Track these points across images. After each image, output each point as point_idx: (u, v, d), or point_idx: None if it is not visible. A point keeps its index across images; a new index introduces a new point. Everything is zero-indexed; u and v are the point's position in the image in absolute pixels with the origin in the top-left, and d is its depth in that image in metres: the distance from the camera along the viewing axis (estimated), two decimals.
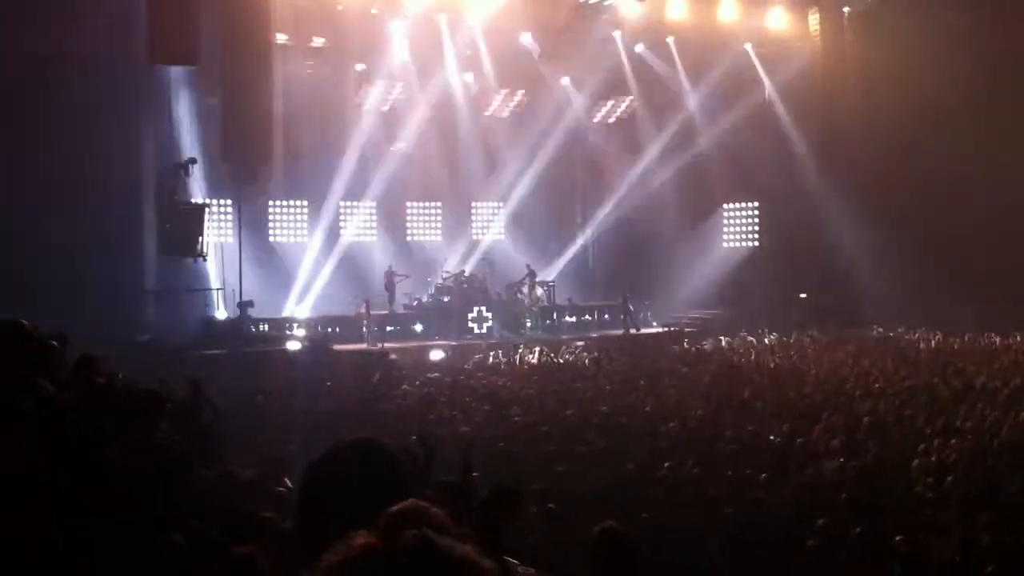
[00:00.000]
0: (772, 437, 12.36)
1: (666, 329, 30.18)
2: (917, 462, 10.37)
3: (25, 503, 3.85)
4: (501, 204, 34.65)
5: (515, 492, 5.87)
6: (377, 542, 1.59)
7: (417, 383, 18.62)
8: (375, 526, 1.64)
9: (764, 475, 9.89)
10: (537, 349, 24.61)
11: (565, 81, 32.37)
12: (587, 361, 22.68)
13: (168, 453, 5.61)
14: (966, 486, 9.07)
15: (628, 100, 33.95)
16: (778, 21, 30.34)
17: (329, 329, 26.73)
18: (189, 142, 26.00)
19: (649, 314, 31.91)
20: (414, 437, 9.35)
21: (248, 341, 24.17)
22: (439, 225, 34.23)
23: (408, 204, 33.47)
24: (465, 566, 1.58)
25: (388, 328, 26.96)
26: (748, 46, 31.41)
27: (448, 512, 1.90)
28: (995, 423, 12.17)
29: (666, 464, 10.31)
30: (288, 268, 29.64)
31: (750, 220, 34.20)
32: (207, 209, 25.35)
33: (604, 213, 34.16)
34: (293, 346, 23.88)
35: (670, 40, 31.00)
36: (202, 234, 24.70)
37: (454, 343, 26.06)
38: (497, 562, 4.94)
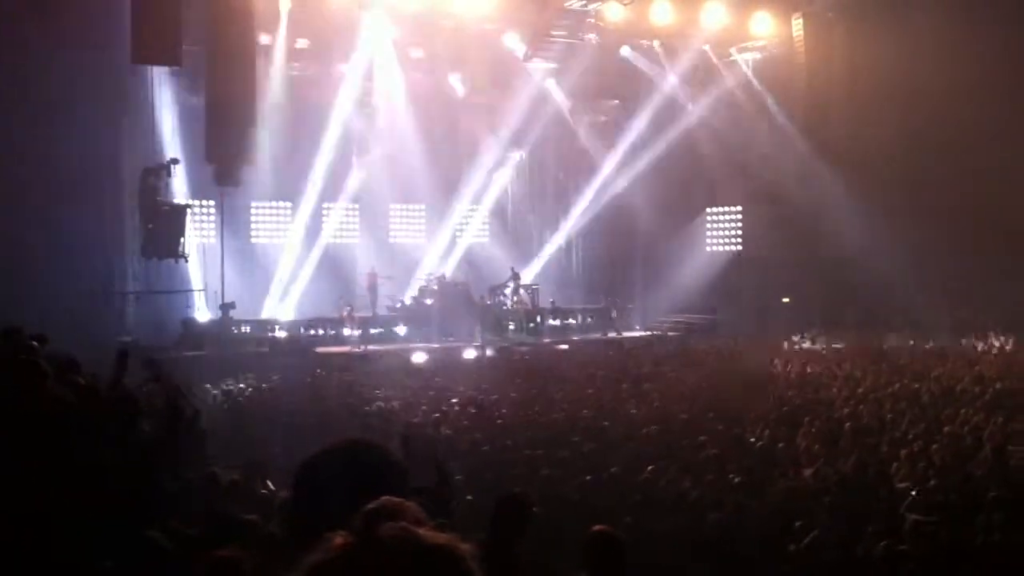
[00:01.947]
0: (753, 440, 12.40)
1: (649, 333, 30.26)
2: (896, 465, 10.42)
3: (11, 504, 3.83)
4: (485, 206, 34.66)
5: (520, 497, 5.84)
6: (355, 539, 1.60)
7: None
8: (351, 525, 1.65)
9: (744, 480, 9.90)
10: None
11: (550, 83, 32.41)
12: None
13: (151, 454, 5.58)
14: (948, 490, 9.11)
15: (613, 103, 34.02)
16: (762, 26, 30.46)
17: (312, 331, 26.69)
18: (172, 142, 25.92)
19: (632, 318, 31.98)
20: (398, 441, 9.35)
21: (230, 343, 24.10)
22: (422, 227, 34.18)
23: (391, 206, 33.43)
24: (444, 552, 1.60)
25: (371, 330, 26.94)
26: (732, 50, 31.57)
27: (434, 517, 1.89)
28: (976, 427, 12.24)
29: (649, 468, 10.31)
30: (270, 269, 29.54)
31: (733, 224, 34.32)
32: (189, 210, 25.27)
33: (587, 216, 34.19)
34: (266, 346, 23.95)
35: (655, 44, 31.13)
36: (184, 235, 24.63)
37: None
38: None
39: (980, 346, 24.62)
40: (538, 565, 6.16)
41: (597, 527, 5.42)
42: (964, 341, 25.34)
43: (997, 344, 24.42)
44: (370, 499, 1.88)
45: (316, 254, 30.10)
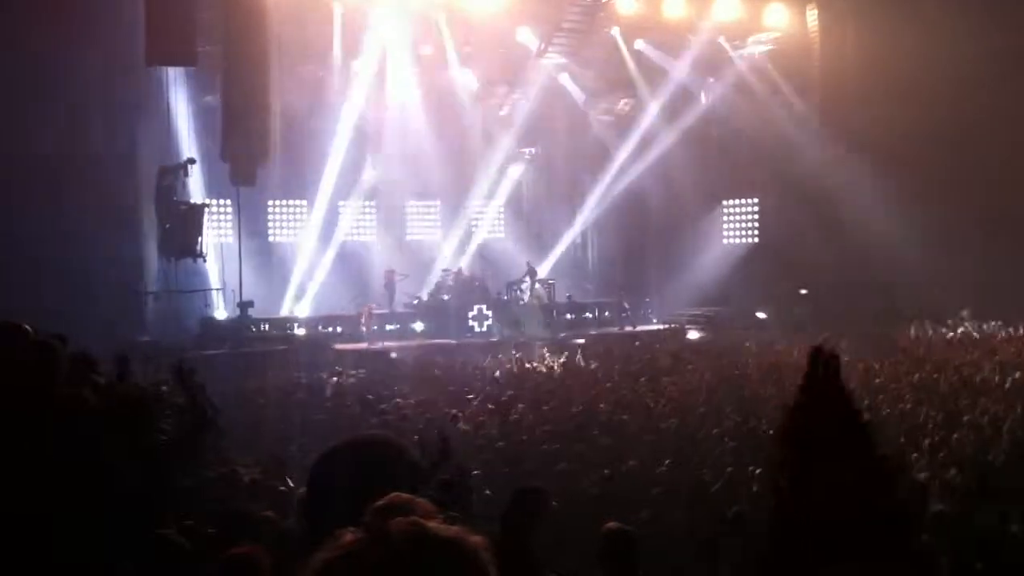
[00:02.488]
0: (772, 432, 12.34)
1: (666, 326, 30.20)
2: (915, 456, 10.37)
3: (29, 503, 3.85)
4: (500, 202, 34.69)
5: (537, 491, 5.85)
6: (365, 535, 1.61)
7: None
8: (362, 521, 1.66)
9: (760, 470, 9.86)
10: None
11: (564, 77, 32.37)
12: None
13: (168, 453, 5.60)
14: (968, 481, 9.06)
15: (627, 97, 33.93)
16: (777, 17, 30.34)
17: (330, 328, 26.76)
18: (188, 142, 26.03)
19: (649, 311, 31.92)
20: (416, 438, 9.36)
21: (248, 341, 24.20)
22: (438, 223, 34.19)
23: (407, 203, 33.46)
24: (454, 545, 1.60)
25: (388, 327, 27.00)
26: (747, 42, 31.47)
27: (445, 510, 1.90)
28: (996, 417, 12.16)
29: (667, 461, 10.30)
30: (288, 268, 29.64)
31: (750, 216, 34.21)
32: (206, 209, 25.38)
33: (602, 209, 34.14)
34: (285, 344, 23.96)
35: (668, 37, 31.06)
36: (201, 234, 24.74)
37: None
38: (530, 571, 4.95)
39: (1001, 335, 24.46)
40: (555, 559, 6.17)
41: (610, 524, 5.44)
42: (985, 327, 25.20)
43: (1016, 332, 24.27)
44: (383, 495, 1.89)
45: (333, 251, 30.18)
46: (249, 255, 26.80)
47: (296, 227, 31.08)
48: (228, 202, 27.62)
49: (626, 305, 30.43)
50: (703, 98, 32.45)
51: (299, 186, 30.04)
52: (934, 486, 8.96)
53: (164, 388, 10.03)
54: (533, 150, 34.12)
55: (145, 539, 4.22)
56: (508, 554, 4.77)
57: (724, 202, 34.49)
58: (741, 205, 34.35)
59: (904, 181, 27.13)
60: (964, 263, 25.89)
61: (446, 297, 28.68)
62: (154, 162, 24.77)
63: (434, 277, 30.19)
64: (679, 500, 9.21)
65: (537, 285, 30.09)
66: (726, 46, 31.53)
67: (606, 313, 31.01)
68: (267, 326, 25.96)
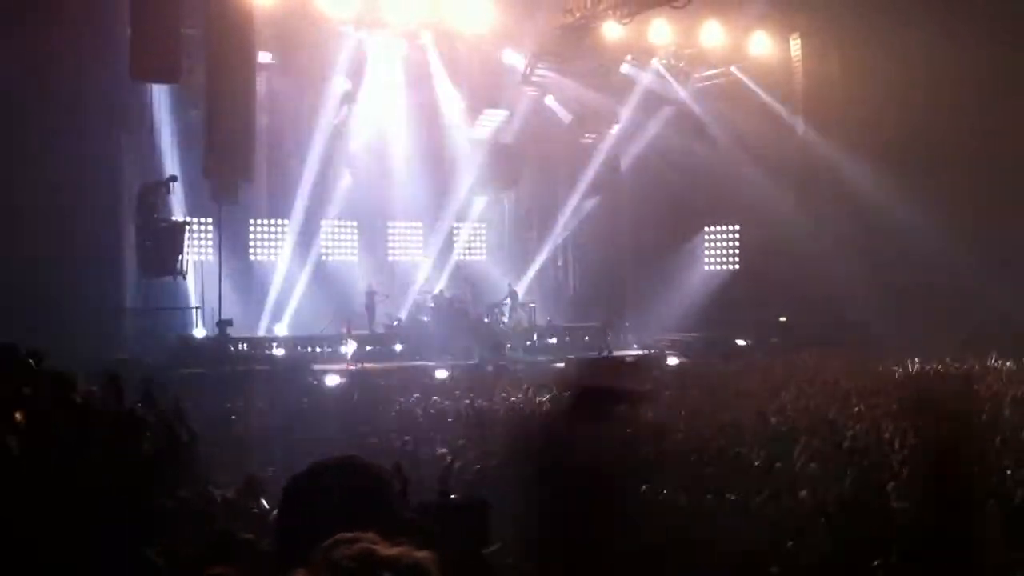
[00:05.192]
0: (751, 459, 12.35)
1: (645, 352, 30.19)
2: (893, 485, 10.38)
3: (5, 521, 3.82)
4: (482, 223, 34.70)
5: (479, 503, 5.75)
6: (315, 566, 1.65)
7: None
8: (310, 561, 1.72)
9: (740, 498, 9.86)
10: None
11: (549, 100, 32.52)
12: None
13: (146, 471, 5.58)
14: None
15: (611, 119, 34.05)
16: (761, 46, 30.62)
17: (309, 348, 26.66)
18: (170, 159, 25.95)
19: (628, 336, 31.95)
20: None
21: (227, 360, 24.07)
22: (420, 244, 34.16)
23: (390, 223, 33.43)
24: (399, 560, 1.69)
25: (368, 348, 26.92)
26: (732, 68, 31.74)
27: (426, 535, 1.91)
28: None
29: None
30: (269, 287, 29.53)
31: (730, 243, 34.39)
32: (187, 227, 25.29)
33: (584, 233, 34.23)
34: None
35: (654, 62, 31.32)
36: (182, 252, 24.64)
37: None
38: None
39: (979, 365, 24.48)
40: None
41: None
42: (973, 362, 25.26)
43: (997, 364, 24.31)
44: (358, 516, 1.91)
45: (314, 271, 30.08)
46: (229, 274, 26.70)
47: (278, 246, 30.96)
48: (209, 220, 27.52)
49: (609, 336, 30.44)
50: (687, 122, 32.63)
51: (282, 205, 29.92)
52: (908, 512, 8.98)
53: (139, 406, 9.97)
54: (518, 173, 33.96)
55: (126, 559, 4.19)
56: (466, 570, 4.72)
57: (706, 228, 34.67)
58: (722, 232, 34.54)
59: (890, 208, 27.36)
60: (956, 289, 26.04)
61: (425, 319, 28.61)
62: (137, 178, 24.72)
63: (414, 298, 30.13)
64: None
65: (518, 308, 30.09)
66: (710, 73, 31.86)
67: (586, 338, 30.98)
68: (246, 345, 25.85)
